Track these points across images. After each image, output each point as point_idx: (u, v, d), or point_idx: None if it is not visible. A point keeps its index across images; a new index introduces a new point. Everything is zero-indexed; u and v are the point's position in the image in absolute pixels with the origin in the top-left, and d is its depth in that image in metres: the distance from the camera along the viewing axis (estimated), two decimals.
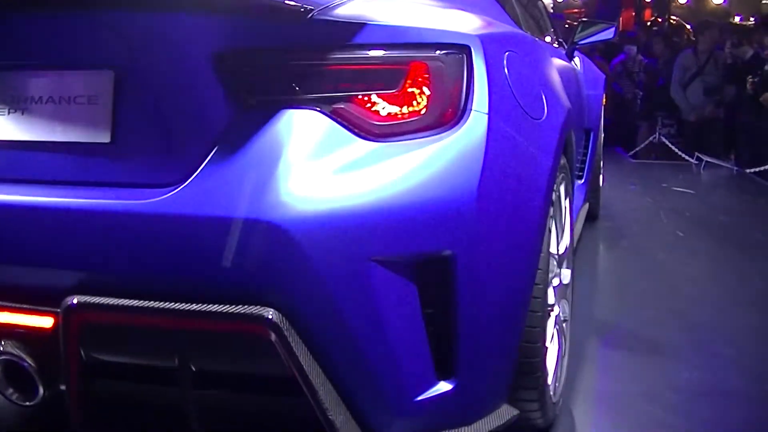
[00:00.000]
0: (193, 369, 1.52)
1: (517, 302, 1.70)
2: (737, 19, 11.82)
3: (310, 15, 1.48)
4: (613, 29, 3.33)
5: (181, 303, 1.45)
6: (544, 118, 1.84)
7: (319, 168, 1.45)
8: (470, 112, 1.55)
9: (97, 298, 1.48)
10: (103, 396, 1.62)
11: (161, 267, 1.46)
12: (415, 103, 1.52)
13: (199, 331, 1.49)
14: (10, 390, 1.64)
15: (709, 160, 7.15)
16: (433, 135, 1.52)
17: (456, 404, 1.60)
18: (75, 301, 1.49)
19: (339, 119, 1.49)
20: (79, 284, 1.51)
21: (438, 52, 1.54)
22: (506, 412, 1.75)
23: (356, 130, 1.49)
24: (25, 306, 1.56)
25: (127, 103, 1.54)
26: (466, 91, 1.56)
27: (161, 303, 1.45)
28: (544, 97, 1.93)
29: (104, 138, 1.55)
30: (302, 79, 1.50)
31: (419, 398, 1.55)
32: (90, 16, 1.56)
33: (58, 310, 1.51)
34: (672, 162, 7.17)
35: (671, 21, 10.89)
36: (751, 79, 6.39)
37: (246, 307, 1.42)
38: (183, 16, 1.51)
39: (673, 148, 7.63)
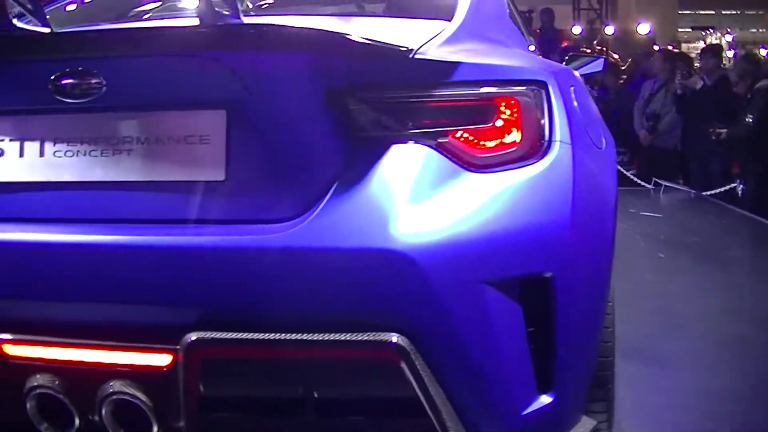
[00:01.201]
0: (317, 397, 1.59)
1: (599, 318, 1.82)
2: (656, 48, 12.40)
3: (411, 54, 1.60)
4: (602, 61, 3.51)
5: (303, 334, 1.52)
6: (604, 146, 1.98)
7: (431, 198, 1.55)
8: (555, 143, 1.67)
9: (221, 333, 1.54)
10: (222, 430, 1.66)
11: (283, 299, 1.53)
12: (509, 135, 1.64)
13: (324, 360, 1.56)
14: (122, 430, 1.67)
15: (667, 184, 7.46)
16: (526, 165, 1.64)
17: (553, 416, 1.69)
18: (196, 337, 1.54)
19: (444, 152, 1.59)
20: (198, 321, 1.56)
21: (525, 87, 1.67)
22: (587, 423, 1.86)
23: (460, 162, 1.60)
24: (141, 345, 1.60)
25: (239, 141, 1.60)
26: (549, 124, 1.68)
27: (287, 335, 1.52)
28: (599, 127, 2.07)
29: (218, 176, 1.61)
30: (408, 115, 1.60)
31: (525, 412, 1.64)
32: (199, 55, 1.62)
33: (177, 347, 1.56)
34: (631, 188, 7.46)
35: (610, 57, 11.33)
36: (749, 118, 6.59)
37: (374, 333, 1.50)
38: (293, 55, 1.59)
39: (628, 174, 7.93)
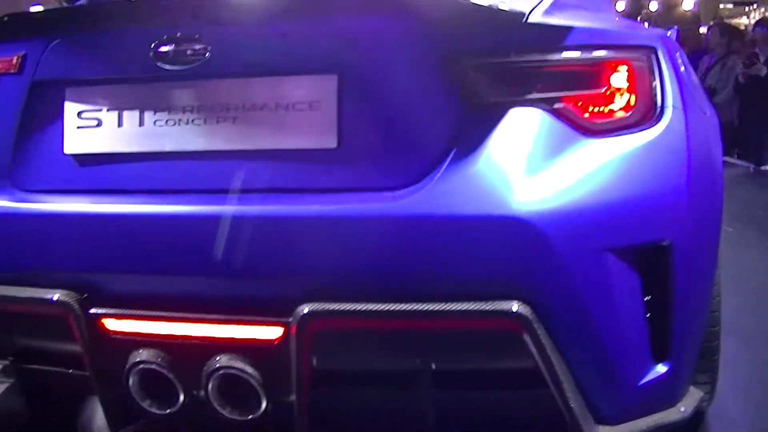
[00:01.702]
0: (433, 369, 1.55)
1: (710, 286, 1.76)
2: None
3: (524, 19, 1.54)
4: (675, 31, 3.41)
5: (421, 303, 1.48)
6: (708, 113, 1.91)
7: (549, 165, 1.50)
8: (667, 108, 1.61)
9: (336, 304, 1.50)
10: (334, 404, 1.63)
11: (399, 269, 1.49)
12: (622, 100, 1.58)
13: (442, 331, 1.52)
14: (228, 407, 1.63)
15: (726, 159, 7.33)
16: (641, 130, 1.58)
17: (667, 386, 1.64)
18: (310, 309, 1.50)
19: (560, 117, 1.54)
20: (310, 293, 1.52)
21: (637, 52, 1.61)
22: (695, 394, 1.79)
23: (576, 128, 1.54)
24: (251, 318, 1.57)
25: (351, 108, 1.56)
26: (661, 89, 1.62)
27: (403, 305, 1.48)
28: (702, 93, 2.00)
29: (330, 143, 1.57)
30: (522, 80, 1.55)
31: (641, 382, 1.59)
32: (311, 21, 1.58)
33: (290, 319, 1.52)
34: None
35: None
36: None
37: (495, 302, 1.46)
38: (407, 20, 1.55)
39: None
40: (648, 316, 1.57)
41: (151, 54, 1.62)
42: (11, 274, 1.68)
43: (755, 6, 26.37)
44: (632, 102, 1.58)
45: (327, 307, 1.50)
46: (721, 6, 27.32)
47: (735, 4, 27.65)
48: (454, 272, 1.47)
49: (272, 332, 1.56)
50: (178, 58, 1.61)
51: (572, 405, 1.51)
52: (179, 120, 1.64)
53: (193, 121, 1.63)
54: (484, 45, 1.55)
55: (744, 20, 21.55)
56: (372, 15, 1.56)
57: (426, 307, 1.47)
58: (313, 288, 1.53)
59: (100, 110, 1.69)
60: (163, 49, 1.61)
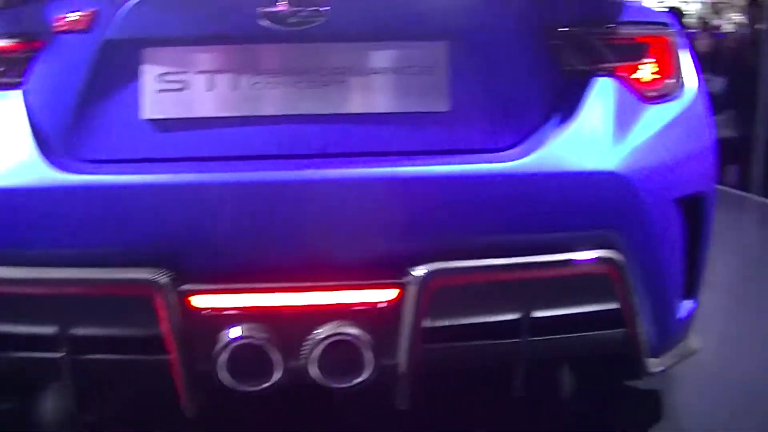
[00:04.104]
0: (534, 317, 1.66)
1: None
2: None
3: None
4: None
5: (530, 256, 1.59)
6: None
7: (628, 126, 1.69)
8: (692, 79, 1.86)
9: (455, 262, 1.57)
10: (437, 362, 1.67)
11: (510, 223, 1.60)
12: (668, 71, 1.81)
13: (546, 280, 1.64)
14: (332, 375, 1.60)
15: None
16: (677, 98, 1.81)
17: (691, 320, 1.92)
18: (427, 269, 1.55)
19: (629, 85, 1.73)
20: (423, 252, 1.56)
21: (673, 30, 1.85)
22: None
23: (639, 95, 1.74)
24: (362, 282, 1.58)
25: (461, 73, 1.64)
26: (686, 63, 1.88)
27: (520, 258, 1.58)
28: None
29: (443, 107, 1.63)
30: (604, 50, 1.72)
31: (680, 317, 1.84)
32: None
33: (406, 279, 1.56)
34: None
35: None
36: None
37: (601, 251, 1.61)
38: None
39: None
40: (687, 258, 1.83)
41: (260, 12, 1.56)
42: (86, 252, 1.52)
43: None
44: (673, 72, 1.82)
45: (447, 266, 1.56)
46: None
47: None
48: (560, 224, 1.62)
49: (386, 294, 1.58)
50: (289, 18, 1.57)
51: (641, 341, 1.72)
52: (281, 83, 1.60)
53: (298, 83, 1.61)
54: (577, 16, 1.71)
55: None
56: None
57: (537, 259, 1.59)
58: (427, 248, 1.57)
59: (186, 72, 1.58)
60: (275, 8, 1.56)
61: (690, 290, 1.87)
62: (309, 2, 1.59)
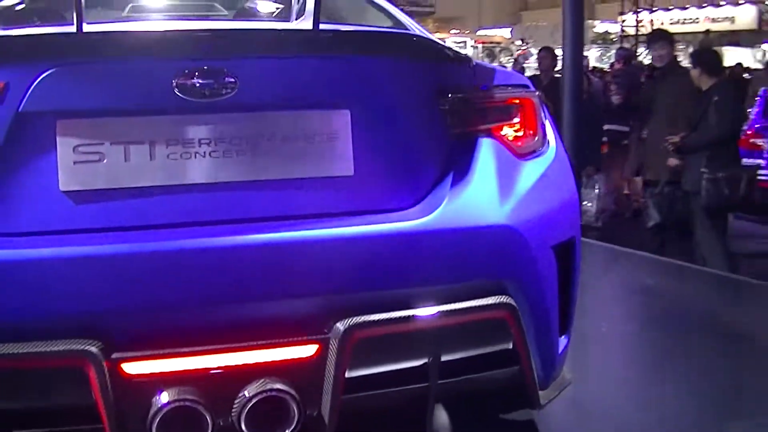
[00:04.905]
0: (442, 361, 1.80)
1: None
2: None
3: (471, 64, 1.94)
4: None
5: (436, 305, 1.75)
6: None
7: (511, 181, 1.91)
8: (552, 136, 2.13)
9: (370, 316, 1.69)
10: (358, 410, 1.77)
11: (415, 276, 1.75)
12: (532, 128, 2.05)
13: (449, 327, 1.79)
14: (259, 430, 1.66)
15: None
16: (544, 154, 2.06)
17: (566, 354, 2.14)
18: (345, 324, 1.66)
19: (504, 144, 1.96)
20: (339, 308, 1.68)
21: (534, 91, 2.10)
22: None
23: (513, 153, 1.97)
24: (285, 340, 1.66)
25: (362, 139, 1.78)
26: (546, 121, 2.14)
27: (425, 308, 1.73)
28: None
29: (347, 171, 1.76)
30: (479, 114, 1.93)
31: (560, 352, 2.06)
32: (325, 59, 1.76)
33: (323, 336, 1.67)
34: None
35: None
36: None
37: (497, 297, 1.79)
38: (405, 61, 1.84)
39: None
40: (562, 298, 2.06)
41: (173, 84, 1.63)
42: (11, 326, 1.51)
43: None
44: (537, 130, 2.06)
45: (363, 320, 1.68)
46: None
47: None
48: (454, 276, 1.78)
49: (308, 350, 1.68)
50: (201, 90, 1.65)
51: (533, 376, 1.91)
52: (196, 153, 1.67)
53: (211, 153, 1.68)
54: (458, 83, 1.91)
55: None
56: (375, 56, 1.81)
57: (441, 308, 1.74)
58: (342, 303, 1.69)
59: (102, 144, 1.62)
60: (187, 80, 1.64)
61: (564, 327, 2.10)
62: (219, 74, 1.67)
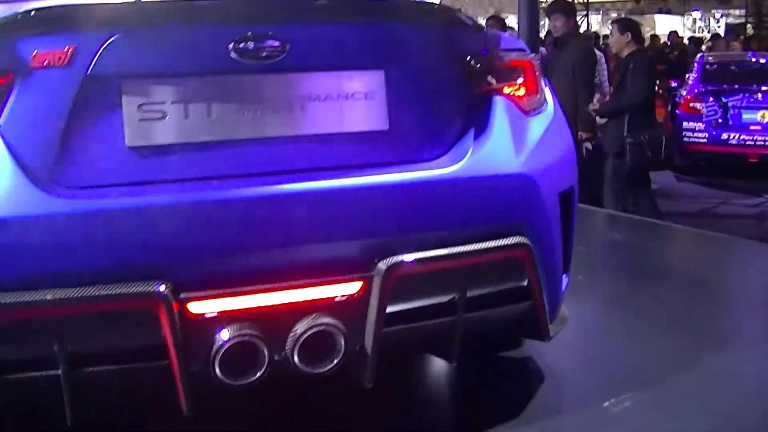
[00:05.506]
0: (467, 296, 1.99)
1: None
2: None
3: (484, 30, 2.13)
4: None
5: (457, 246, 1.93)
6: None
7: (522, 135, 2.10)
8: (549, 94, 2.33)
9: (409, 255, 1.86)
10: (394, 343, 1.94)
11: (445, 219, 1.93)
12: (536, 87, 2.25)
13: (476, 265, 1.98)
14: (306, 363, 1.82)
15: None
16: (545, 111, 2.26)
17: (564, 292, 2.36)
18: (389, 261, 1.83)
19: (513, 102, 2.15)
20: (380, 249, 1.86)
21: (531, 54, 2.29)
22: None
23: (521, 109, 2.16)
24: (331, 278, 1.83)
25: (396, 96, 1.95)
26: (542, 84, 2.33)
27: (457, 248, 1.91)
28: None
29: (383, 126, 1.94)
30: (493, 74, 2.12)
31: (563, 290, 2.28)
32: (363, 26, 1.94)
33: (368, 274, 1.84)
34: None
35: None
36: None
37: (516, 238, 1.98)
38: (432, 27, 2.04)
39: None
40: (564, 239, 2.27)
41: (230, 48, 1.77)
42: (84, 272, 1.64)
43: None
44: (538, 89, 2.25)
45: (403, 258, 1.85)
46: None
47: None
48: (480, 219, 1.97)
49: (353, 287, 1.84)
50: (255, 53, 1.79)
51: (545, 309, 2.12)
52: (249, 110, 1.82)
53: (262, 110, 1.83)
54: (476, 47, 2.09)
55: None
56: (406, 22, 2.00)
57: (471, 248, 1.93)
58: (383, 244, 1.86)
59: (164, 103, 1.74)
60: (241, 44, 1.78)
61: (566, 266, 2.31)
62: (271, 38, 1.82)
